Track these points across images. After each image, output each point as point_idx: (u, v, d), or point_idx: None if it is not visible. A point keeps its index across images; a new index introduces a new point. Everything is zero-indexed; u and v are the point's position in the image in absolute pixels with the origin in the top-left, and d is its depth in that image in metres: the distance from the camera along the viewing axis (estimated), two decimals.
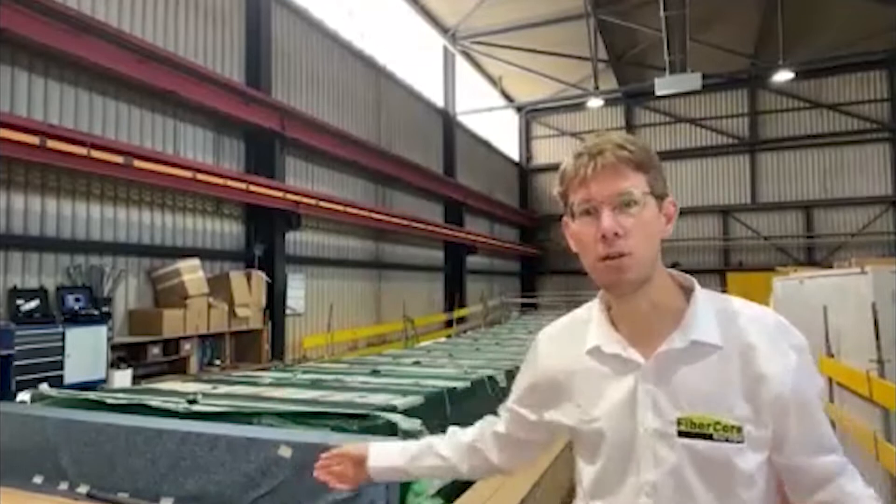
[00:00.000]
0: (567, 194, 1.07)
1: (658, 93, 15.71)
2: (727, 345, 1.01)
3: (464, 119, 17.99)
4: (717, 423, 0.97)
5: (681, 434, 0.99)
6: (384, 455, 1.34)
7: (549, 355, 1.19)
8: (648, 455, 1.01)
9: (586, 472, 1.11)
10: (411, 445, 1.36)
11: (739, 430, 0.97)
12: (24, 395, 3.33)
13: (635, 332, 1.06)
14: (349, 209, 11.08)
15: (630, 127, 22.20)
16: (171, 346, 7.46)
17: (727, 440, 0.97)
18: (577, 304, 1.32)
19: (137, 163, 6.89)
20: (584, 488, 1.11)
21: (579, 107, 21.48)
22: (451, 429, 1.37)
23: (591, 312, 1.16)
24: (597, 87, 16.69)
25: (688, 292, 1.08)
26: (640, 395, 1.02)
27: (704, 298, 1.06)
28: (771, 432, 0.99)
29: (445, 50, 16.94)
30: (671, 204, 1.07)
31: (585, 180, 1.02)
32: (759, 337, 1.01)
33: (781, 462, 1.01)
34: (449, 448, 1.31)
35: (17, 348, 5.54)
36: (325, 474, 1.35)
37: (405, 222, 13.10)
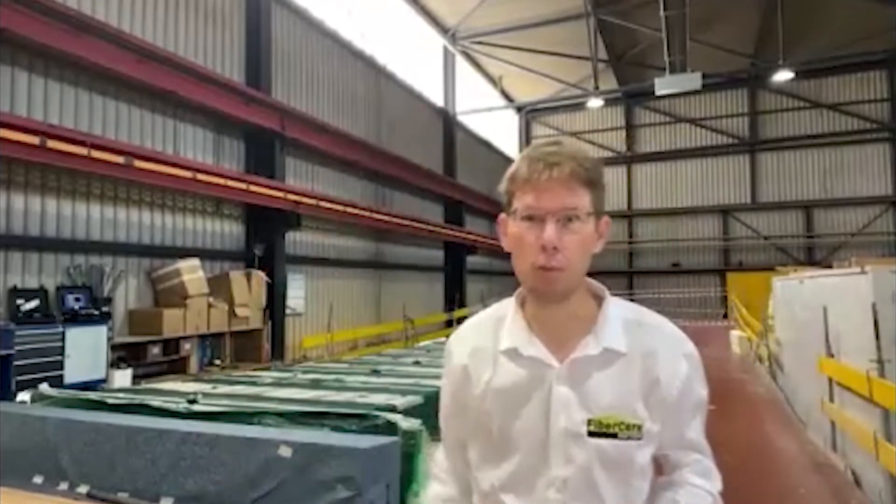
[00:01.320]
0: (514, 194, 1.10)
1: (658, 93, 15.73)
2: (631, 351, 1.09)
3: (464, 119, 17.99)
4: (622, 422, 1.06)
5: (590, 434, 1.06)
6: None
7: (466, 355, 1.20)
8: (559, 453, 1.07)
9: (494, 472, 1.13)
10: None
11: (640, 428, 1.06)
12: (24, 395, 3.33)
13: (550, 336, 1.11)
14: (349, 209, 11.08)
15: (630, 127, 22.21)
16: (171, 346, 7.46)
17: (629, 438, 1.06)
18: None
19: (137, 163, 6.89)
20: (494, 486, 1.13)
21: (579, 107, 21.48)
22: None
23: (504, 310, 1.19)
24: (597, 87, 16.70)
25: (599, 301, 1.15)
26: (554, 397, 1.08)
27: (614, 307, 1.13)
28: (659, 427, 1.09)
29: (445, 50, 16.94)
30: (605, 223, 1.12)
31: (536, 187, 1.05)
32: (658, 344, 1.11)
33: (660, 451, 1.14)
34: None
35: (17, 348, 5.54)
36: None
37: (405, 222, 13.10)
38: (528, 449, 1.09)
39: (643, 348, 1.09)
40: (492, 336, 1.16)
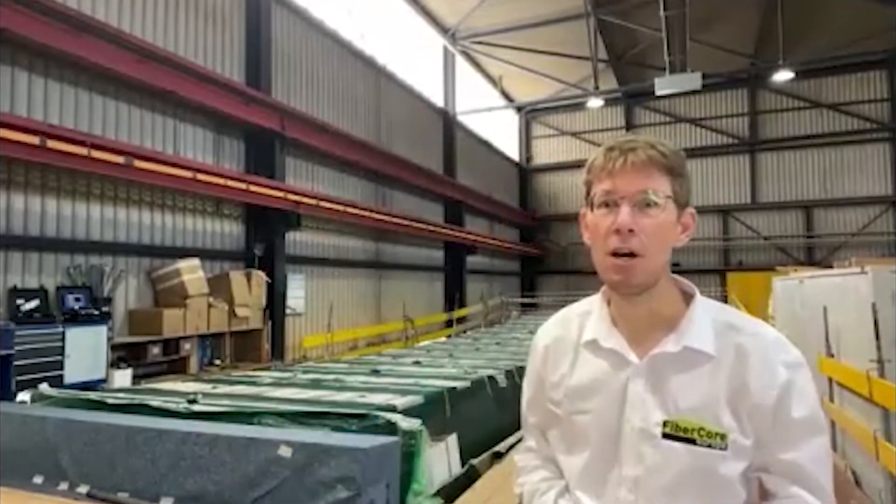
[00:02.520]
0: (591, 184, 1.08)
1: (658, 93, 15.72)
2: (720, 355, 1.02)
3: (464, 119, 17.99)
4: (702, 428, 0.99)
5: (665, 436, 1.00)
6: None
7: (546, 347, 1.21)
8: (631, 452, 1.03)
9: (569, 464, 1.12)
10: None
11: (724, 437, 0.98)
12: (24, 395, 3.33)
13: (633, 333, 1.08)
14: (349, 209, 11.08)
15: (630, 127, 22.20)
16: (171, 345, 7.46)
17: (710, 446, 0.98)
18: None
19: (137, 163, 6.88)
20: (569, 479, 1.13)
21: (579, 107, 21.47)
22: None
23: (591, 305, 1.17)
24: (597, 87, 16.69)
25: (688, 299, 1.09)
26: (630, 393, 1.04)
27: (703, 307, 1.08)
28: (753, 441, 1.00)
29: (445, 50, 16.94)
30: (691, 215, 1.09)
31: (612, 173, 1.03)
32: (752, 350, 1.02)
33: (754, 475, 1.01)
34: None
35: (17, 348, 5.54)
36: None
37: (405, 222, 13.10)
38: (600, 443, 1.06)
39: (734, 352, 1.02)
40: (576, 329, 1.16)
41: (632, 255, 1.00)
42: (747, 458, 1.00)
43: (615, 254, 1.01)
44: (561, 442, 1.15)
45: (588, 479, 1.08)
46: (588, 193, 1.09)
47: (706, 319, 1.05)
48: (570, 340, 1.16)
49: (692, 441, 0.99)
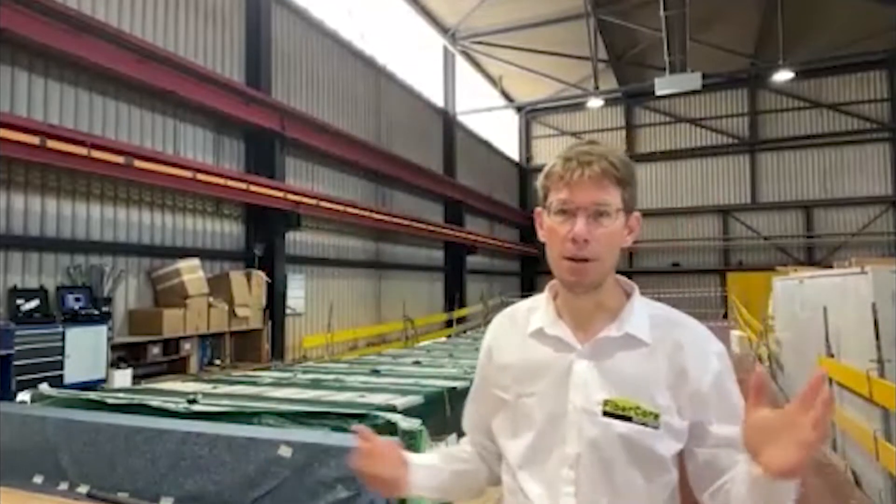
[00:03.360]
0: (548, 190, 1.17)
1: (658, 93, 15.72)
2: (656, 343, 1.13)
3: (464, 119, 17.99)
4: (638, 407, 1.09)
5: (605, 414, 1.09)
6: (420, 457, 1.38)
7: (495, 337, 1.31)
8: (574, 430, 1.11)
9: (513, 447, 1.20)
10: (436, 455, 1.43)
11: (657, 416, 1.08)
12: (24, 395, 3.33)
13: (576, 323, 1.18)
14: (349, 209, 11.08)
15: (630, 127, 22.21)
16: (171, 345, 7.46)
17: (644, 424, 1.08)
18: None
19: (137, 163, 6.88)
20: (511, 462, 1.20)
21: (579, 107, 21.48)
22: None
23: (537, 302, 1.27)
24: (597, 87, 16.69)
25: (628, 296, 1.20)
26: (574, 375, 1.13)
27: (641, 303, 1.19)
28: (689, 424, 1.10)
29: (445, 50, 16.94)
30: (636, 219, 1.18)
31: (569, 184, 1.11)
32: (685, 340, 1.13)
33: (703, 452, 1.11)
34: (459, 451, 1.39)
35: (17, 348, 5.54)
36: (363, 463, 1.29)
37: (405, 222, 13.10)
38: (545, 425, 1.15)
39: (670, 342, 1.13)
40: (522, 322, 1.25)
41: (585, 260, 1.10)
42: (680, 440, 1.10)
43: (570, 258, 1.11)
44: (507, 426, 1.22)
45: (532, 460, 1.16)
46: (545, 198, 1.18)
47: (644, 313, 1.16)
48: (517, 332, 1.25)
49: (629, 419, 1.08)
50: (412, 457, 1.32)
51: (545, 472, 1.13)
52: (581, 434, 1.10)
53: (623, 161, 1.13)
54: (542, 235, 1.19)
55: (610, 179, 1.10)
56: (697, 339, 1.14)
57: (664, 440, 1.08)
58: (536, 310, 1.24)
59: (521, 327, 1.24)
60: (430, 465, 1.34)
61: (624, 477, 1.09)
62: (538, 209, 1.21)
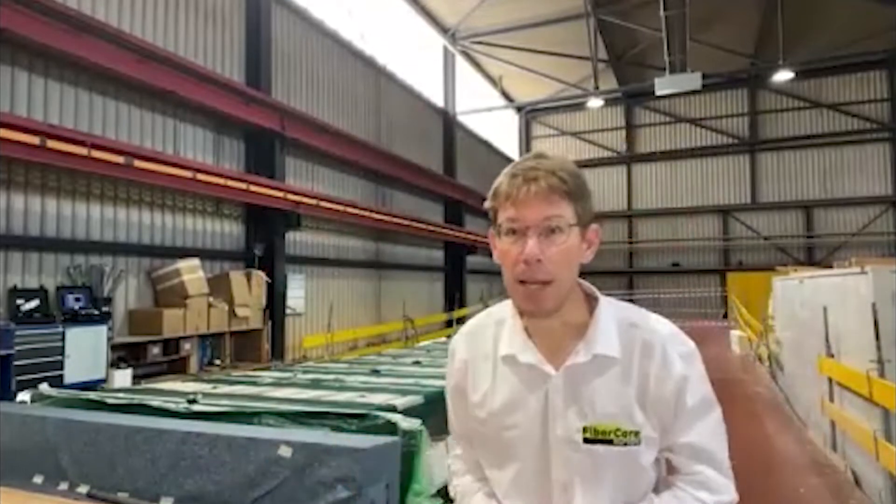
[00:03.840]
0: (497, 209, 1.12)
1: (658, 93, 15.73)
2: (625, 355, 1.10)
3: (464, 119, 17.99)
4: (618, 429, 1.07)
5: (586, 441, 1.08)
6: None
7: (465, 361, 1.24)
8: (559, 459, 1.10)
9: (499, 477, 1.17)
10: None
11: (637, 434, 1.08)
12: (24, 395, 3.33)
13: (547, 344, 1.13)
14: (349, 209, 11.08)
15: (630, 127, 22.22)
16: (171, 345, 7.46)
17: (626, 444, 1.07)
18: None
19: (137, 163, 6.89)
20: (498, 491, 1.18)
21: (579, 107, 21.49)
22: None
23: (504, 313, 1.21)
24: (597, 87, 16.70)
25: (592, 302, 1.15)
26: (551, 405, 1.10)
27: (606, 311, 1.13)
28: (659, 430, 1.09)
29: (445, 50, 16.94)
30: (594, 232, 1.13)
31: (516, 202, 1.06)
32: (652, 344, 1.10)
33: (661, 455, 1.13)
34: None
35: (17, 348, 5.54)
36: None
37: (405, 222, 13.10)
38: (528, 456, 1.12)
39: (637, 349, 1.10)
40: (492, 340, 1.20)
41: (541, 282, 1.04)
42: (657, 446, 1.11)
43: (524, 281, 1.05)
44: (490, 457, 1.19)
45: (518, 490, 1.14)
46: (495, 219, 1.13)
47: (611, 322, 1.12)
48: (488, 354, 1.19)
49: (609, 442, 1.07)
50: None
51: (534, 499, 1.13)
52: (567, 463, 1.09)
53: (572, 173, 1.07)
54: (495, 257, 1.14)
55: (559, 194, 1.05)
56: (663, 342, 1.11)
57: (645, 453, 1.09)
58: (504, 323, 1.18)
59: (491, 349, 1.19)
60: None
61: (612, 492, 1.09)
62: (490, 231, 1.15)
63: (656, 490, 1.13)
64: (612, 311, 1.14)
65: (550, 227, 1.04)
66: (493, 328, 1.21)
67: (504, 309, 1.21)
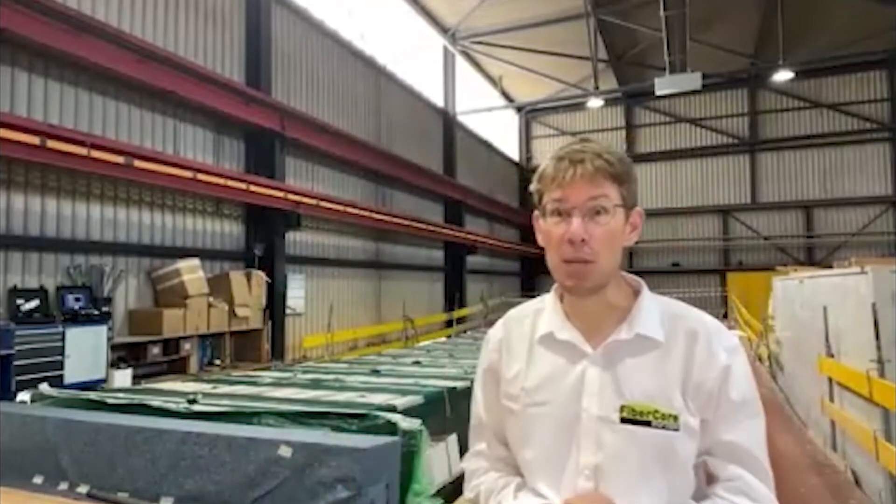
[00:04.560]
0: (543, 192, 1.13)
1: (658, 93, 15.72)
2: (668, 341, 1.08)
3: (464, 119, 17.99)
4: (656, 411, 1.04)
5: (623, 420, 1.05)
6: None
7: (501, 345, 1.24)
8: (590, 439, 1.06)
9: (526, 457, 1.15)
10: None
11: (676, 418, 1.04)
12: (24, 395, 3.33)
13: (586, 325, 1.13)
14: (349, 209, 11.08)
15: (630, 127, 22.21)
16: (171, 345, 7.46)
17: (664, 427, 1.03)
18: None
19: (137, 163, 6.88)
20: (525, 472, 1.16)
21: (579, 107, 21.49)
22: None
23: (544, 303, 1.22)
24: (597, 87, 16.69)
25: (636, 293, 1.15)
26: (587, 382, 1.08)
27: (650, 300, 1.14)
28: (699, 422, 1.06)
29: (445, 50, 16.94)
30: (638, 214, 1.13)
31: (562, 184, 1.08)
32: (697, 336, 1.09)
33: (701, 448, 1.07)
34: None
35: (17, 348, 5.53)
36: None
37: (405, 222, 13.10)
38: (557, 434, 1.09)
39: (681, 339, 1.09)
40: (530, 326, 1.20)
41: (584, 261, 1.05)
42: (697, 439, 1.05)
43: (569, 261, 1.06)
44: (517, 436, 1.17)
45: (545, 470, 1.11)
46: (540, 201, 1.14)
47: (654, 310, 1.12)
48: (524, 336, 1.20)
49: (647, 423, 1.04)
50: None
51: (561, 481, 1.08)
52: (600, 443, 1.05)
53: (618, 157, 1.09)
54: (540, 240, 1.15)
55: (604, 176, 1.06)
56: (708, 333, 1.09)
57: (685, 442, 1.04)
58: (543, 311, 1.19)
59: (528, 332, 1.19)
60: None
61: (646, 485, 1.03)
62: (535, 213, 1.17)
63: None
64: (656, 301, 1.14)
65: (595, 208, 1.06)
66: (532, 316, 1.22)
67: (544, 299, 1.22)
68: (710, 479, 1.08)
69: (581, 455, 1.07)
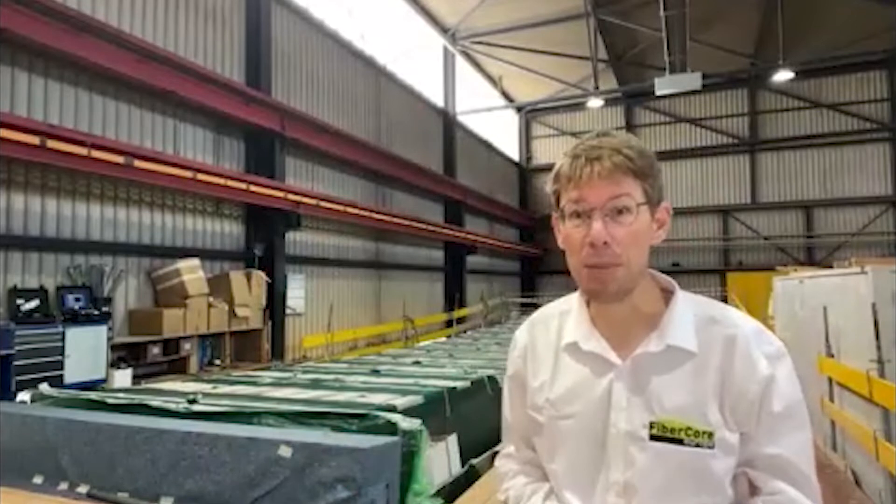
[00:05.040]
0: (560, 193, 1.06)
1: (658, 93, 15.71)
2: (703, 351, 1.01)
3: (464, 119, 17.99)
4: (689, 428, 0.97)
5: (652, 438, 0.99)
6: None
7: (526, 352, 1.19)
8: (619, 456, 1.01)
9: (554, 469, 1.11)
10: None
11: (711, 435, 0.97)
12: (24, 395, 3.33)
13: (613, 333, 1.06)
14: (349, 209, 11.08)
15: (630, 127, 22.19)
16: (171, 345, 7.46)
17: (698, 445, 0.97)
18: None
19: (137, 163, 6.88)
20: (555, 484, 1.11)
21: (579, 107, 21.48)
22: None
23: (570, 304, 1.16)
24: (597, 87, 16.69)
25: (668, 295, 1.08)
26: (615, 396, 1.02)
27: (684, 303, 1.06)
28: (738, 436, 0.99)
29: (445, 50, 16.93)
30: (665, 210, 1.06)
31: (579, 184, 1.00)
32: (734, 342, 1.01)
33: (738, 471, 1.01)
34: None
35: (17, 348, 5.54)
36: None
37: (405, 222, 13.10)
38: (585, 448, 1.04)
39: (717, 347, 1.01)
40: (556, 330, 1.14)
41: (608, 265, 0.99)
42: (735, 454, 0.99)
43: (591, 266, 1.00)
44: (545, 448, 1.13)
45: (575, 485, 1.06)
46: (557, 202, 1.07)
47: (688, 315, 1.04)
48: (550, 342, 1.14)
49: (679, 441, 0.97)
50: None
51: (591, 498, 1.03)
52: (629, 461, 1.00)
53: (639, 150, 1.01)
54: (560, 243, 1.08)
55: (624, 173, 0.98)
56: (747, 339, 1.01)
57: (721, 459, 0.97)
58: (569, 314, 1.13)
59: (554, 339, 1.13)
60: None
61: (677, 502, 0.98)
62: (554, 215, 1.09)
63: None
64: (690, 304, 1.06)
65: (617, 208, 0.98)
66: (558, 318, 1.15)
67: (570, 300, 1.16)
68: (753, 490, 1.01)
69: (611, 472, 1.02)
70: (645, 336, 1.03)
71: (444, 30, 16.08)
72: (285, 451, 2.20)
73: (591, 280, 1.01)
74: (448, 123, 17.03)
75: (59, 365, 5.95)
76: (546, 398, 1.10)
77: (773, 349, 1.01)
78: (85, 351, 6.20)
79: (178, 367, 7.57)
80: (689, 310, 1.05)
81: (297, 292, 10.33)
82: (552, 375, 1.11)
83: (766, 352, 1.00)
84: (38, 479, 2.63)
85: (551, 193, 1.09)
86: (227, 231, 9.17)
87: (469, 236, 16.52)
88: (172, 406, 2.92)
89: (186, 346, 7.60)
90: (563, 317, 1.15)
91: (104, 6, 7.21)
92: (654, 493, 0.98)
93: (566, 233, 1.04)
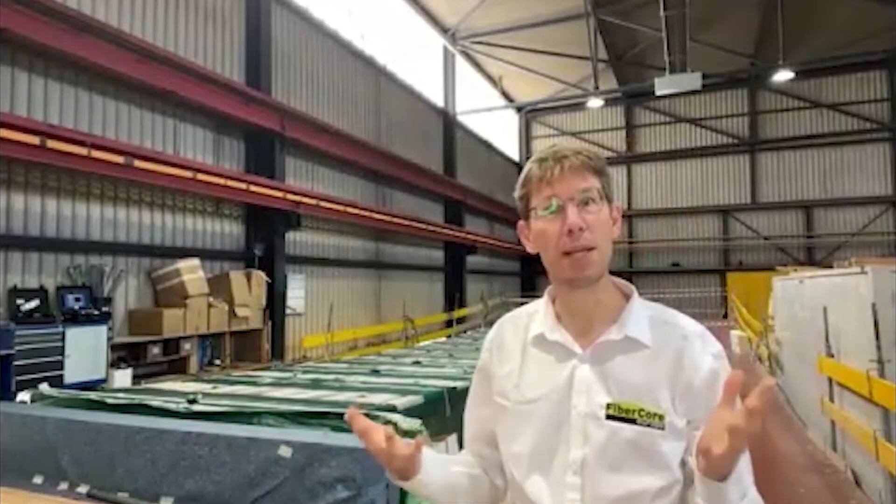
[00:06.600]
0: (529, 196, 1.17)
1: (658, 93, 15.72)
2: (656, 346, 1.12)
3: (464, 119, 17.99)
4: (642, 409, 1.07)
5: (608, 417, 1.08)
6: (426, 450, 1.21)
7: (495, 344, 1.28)
8: (578, 435, 1.09)
9: (514, 453, 1.18)
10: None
11: (661, 417, 1.06)
12: (24, 395, 3.33)
13: (577, 326, 1.16)
14: (349, 209, 11.08)
15: (630, 127, 22.22)
16: (171, 345, 7.46)
17: (649, 426, 1.06)
18: None
19: (137, 163, 6.89)
20: (513, 469, 1.18)
21: (579, 107, 21.49)
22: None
23: (538, 306, 1.26)
24: (597, 87, 16.69)
25: (626, 297, 1.19)
26: (577, 380, 1.12)
27: (640, 304, 1.17)
28: (686, 423, 1.08)
29: (445, 50, 16.94)
30: (616, 209, 1.18)
31: (552, 181, 1.12)
32: (684, 340, 1.12)
33: (689, 460, 1.07)
34: (464, 454, 1.34)
35: (17, 348, 5.54)
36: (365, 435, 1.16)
37: (405, 222, 13.10)
38: (547, 431, 1.13)
39: (670, 343, 1.12)
40: (524, 327, 1.24)
41: (586, 249, 1.09)
42: (683, 439, 1.08)
43: (570, 252, 1.10)
44: (508, 432, 1.20)
45: (534, 467, 1.14)
46: (527, 207, 1.17)
47: (644, 315, 1.15)
48: (518, 338, 1.23)
49: (633, 421, 1.06)
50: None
51: (549, 478, 1.12)
52: (586, 438, 1.08)
53: (595, 153, 1.15)
54: (530, 247, 1.18)
55: (587, 169, 1.12)
56: (696, 339, 1.12)
57: (670, 441, 1.06)
58: (536, 314, 1.23)
59: (522, 333, 1.23)
60: (436, 456, 1.25)
61: (630, 481, 1.06)
62: (520, 223, 1.20)
63: None
64: (645, 306, 1.17)
65: (585, 199, 1.11)
66: (526, 318, 1.25)
67: (537, 304, 1.26)
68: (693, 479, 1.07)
69: (570, 451, 1.10)
70: (606, 328, 1.13)
71: (444, 30, 16.09)
72: (285, 451, 2.20)
73: (570, 267, 1.11)
74: (448, 123, 17.03)
75: (59, 365, 5.95)
76: (514, 384, 1.19)
77: (717, 350, 1.13)
78: (85, 351, 6.20)
79: (178, 367, 7.57)
80: (645, 310, 1.16)
81: (297, 292, 10.34)
82: (520, 365, 1.20)
83: (711, 351, 1.12)
84: (38, 479, 2.63)
85: (519, 199, 1.20)
86: (227, 231, 9.17)
87: (469, 236, 16.52)
88: (172, 406, 2.92)
89: (186, 346, 7.60)
90: (530, 316, 1.25)
91: (104, 6, 7.21)
92: (607, 468, 1.07)
93: (539, 230, 1.14)
